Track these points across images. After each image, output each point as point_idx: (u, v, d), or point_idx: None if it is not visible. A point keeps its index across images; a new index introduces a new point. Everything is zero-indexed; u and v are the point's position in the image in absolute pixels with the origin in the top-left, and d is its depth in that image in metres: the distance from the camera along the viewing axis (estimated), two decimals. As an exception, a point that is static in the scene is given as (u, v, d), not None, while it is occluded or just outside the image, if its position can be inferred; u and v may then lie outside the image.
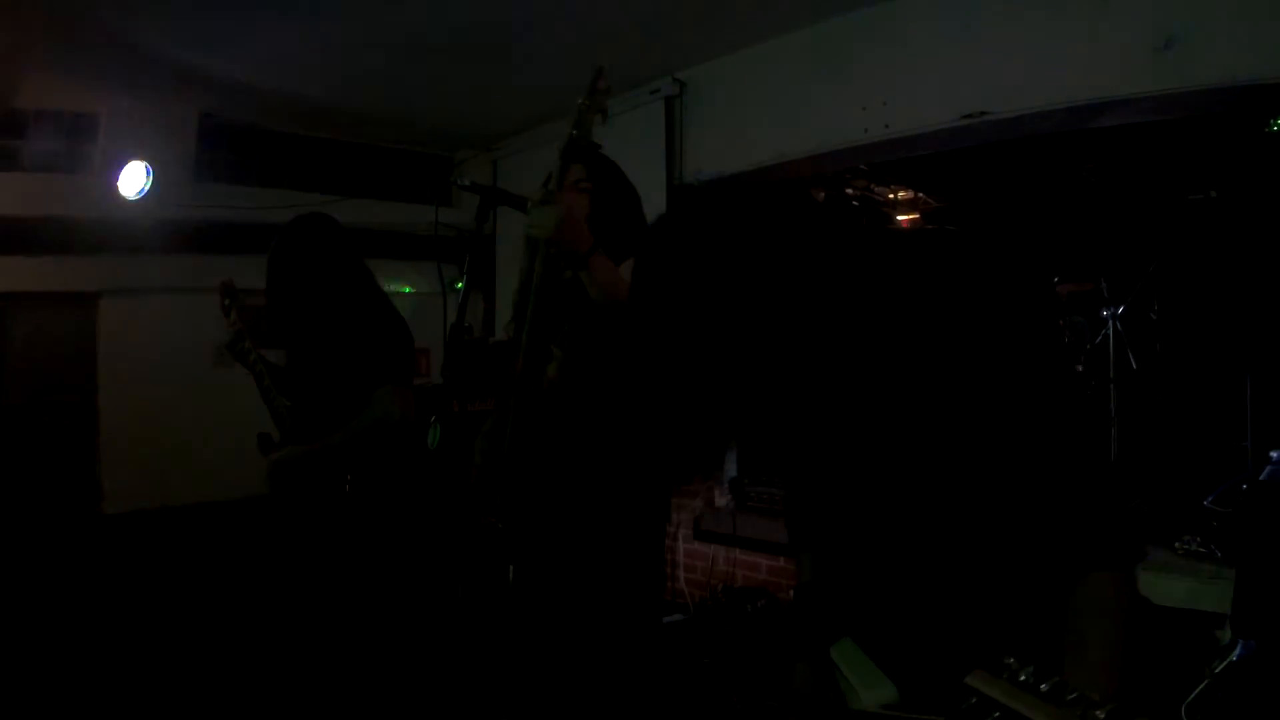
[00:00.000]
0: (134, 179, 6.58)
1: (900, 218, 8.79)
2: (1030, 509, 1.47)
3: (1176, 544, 4.64)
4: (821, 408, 1.65)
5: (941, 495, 1.56)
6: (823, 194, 7.86)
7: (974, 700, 1.20)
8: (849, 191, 8.29)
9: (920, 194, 8.67)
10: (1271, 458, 3.86)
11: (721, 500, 6.98)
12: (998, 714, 1.16)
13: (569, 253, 2.76)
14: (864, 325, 1.52)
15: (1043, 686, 1.17)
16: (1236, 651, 3.24)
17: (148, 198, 6.63)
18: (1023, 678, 1.19)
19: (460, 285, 2.93)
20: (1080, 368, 6.11)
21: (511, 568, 3.06)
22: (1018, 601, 1.55)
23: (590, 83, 2.97)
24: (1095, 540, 1.44)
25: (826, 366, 1.56)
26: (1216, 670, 3.26)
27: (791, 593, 2.07)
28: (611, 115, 7.20)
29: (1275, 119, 4.76)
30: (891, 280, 1.54)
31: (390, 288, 4.05)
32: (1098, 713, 1.07)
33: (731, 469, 6.98)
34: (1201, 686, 3.25)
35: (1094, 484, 1.46)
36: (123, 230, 6.73)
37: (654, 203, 7.01)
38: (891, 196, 8.73)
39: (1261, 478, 3.81)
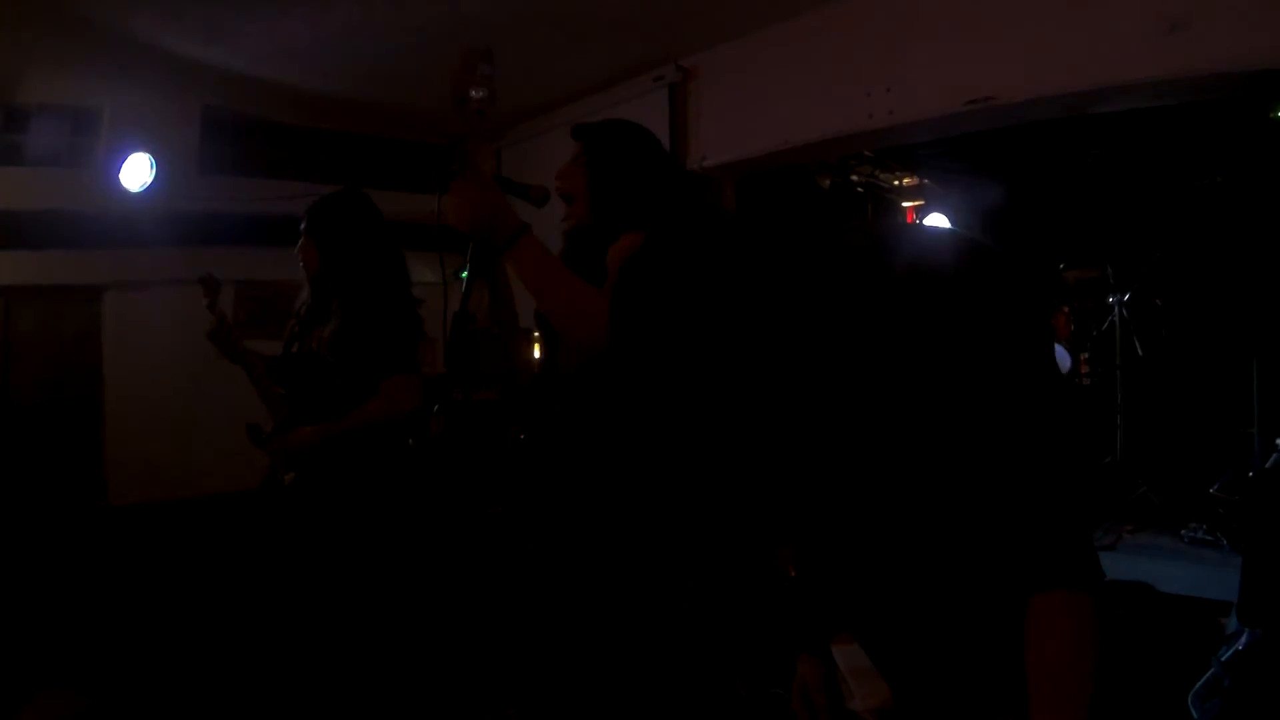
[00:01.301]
0: (137, 172, 6.58)
1: (905, 204, 8.78)
2: (995, 514, 1.44)
3: (1182, 531, 4.64)
4: (797, 404, 1.64)
5: (915, 493, 1.54)
6: (828, 180, 7.86)
7: None
8: (854, 178, 8.29)
9: (925, 180, 8.66)
10: (1278, 445, 3.85)
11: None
12: None
13: (487, 242, 2.52)
14: (839, 322, 1.51)
15: None
16: (1242, 640, 3.23)
17: (151, 191, 6.64)
18: None
19: (464, 275, 2.91)
20: (1085, 355, 6.10)
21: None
22: (1000, 605, 1.53)
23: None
24: (1057, 554, 1.40)
25: (803, 364, 1.55)
26: (1222, 659, 3.25)
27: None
28: (614, 105, 7.23)
29: (1279, 105, 4.74)
30: (870, 277, 1.52)
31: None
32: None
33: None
34: (1207, 675, 3.24)
35: (1062, 497, 1.43)
36: (126, 224, 6.73)
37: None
38: (896, 183, 8.72)
39: (1268, 465, 3.80)
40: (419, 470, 3.79)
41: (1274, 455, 3.79)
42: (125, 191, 6.57)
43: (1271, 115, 4.76)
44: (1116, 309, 5.93)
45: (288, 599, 3.96)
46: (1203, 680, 3.24)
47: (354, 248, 3.81)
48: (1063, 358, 6.18)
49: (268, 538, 4.06)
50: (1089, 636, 1.36)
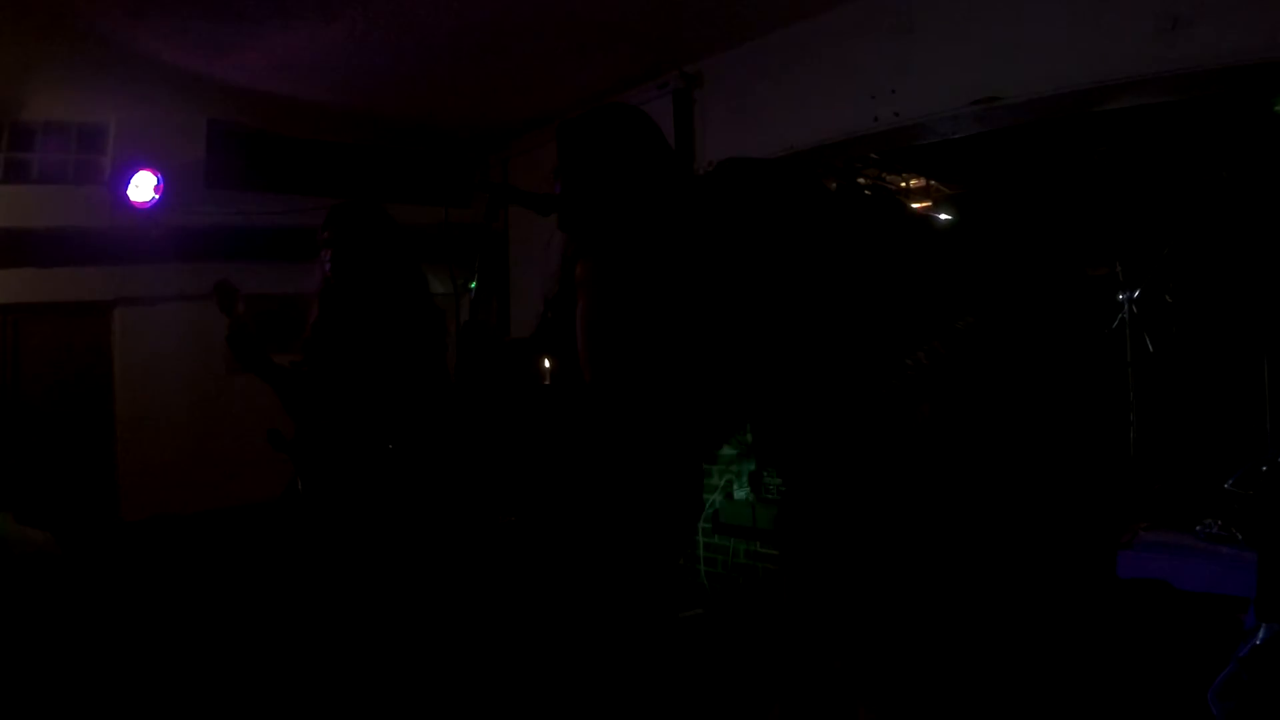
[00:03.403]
0: (144, 188, 6.59)
1: (913, 206, 8.76)
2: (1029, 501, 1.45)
3: (1198, 527, 4.62)
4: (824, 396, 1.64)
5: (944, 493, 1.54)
6: (834, 184, 7.85)
7: None
8: (860, 180, 8.28)
9: (932, 182, 8.65)
10: (1292, 439, 3.84)
11: (740, 493, 6.96)
12: None
13: None
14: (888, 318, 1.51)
15: None
16: (1260, 635, 3.22)
17: (158, 206, 6.65)
18: None
19: (473, 285, 2.91)
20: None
21: (529, 562, 3.05)
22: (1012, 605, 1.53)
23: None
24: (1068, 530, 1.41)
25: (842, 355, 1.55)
26: (1241, 655, 3.24)
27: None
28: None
29: (1278, 98, 4.74)
30: (913, 267, 1.53)
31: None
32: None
33: (750, 462, 6.97)
34: (1227, 671, 3.23)
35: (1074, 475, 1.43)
36: (134, 240, 6.75)
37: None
38: (903, 185, 8.70)
39: (1281, 459, 3.79)
40: (430, 477, 3.79)
41: (1288, 449, 3.78)
42: (132, 207, 6.59)
43: (1274, 108, 4.76)
44: (1126, 306, 5.92)
45: (306, 609, 3.97)
46: (1222, 676, 3.22)
47: (382, 258, 3.81)
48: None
49: (287, 547, 4.06)
50: None
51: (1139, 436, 5.73)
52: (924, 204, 8.74)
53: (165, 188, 6.64)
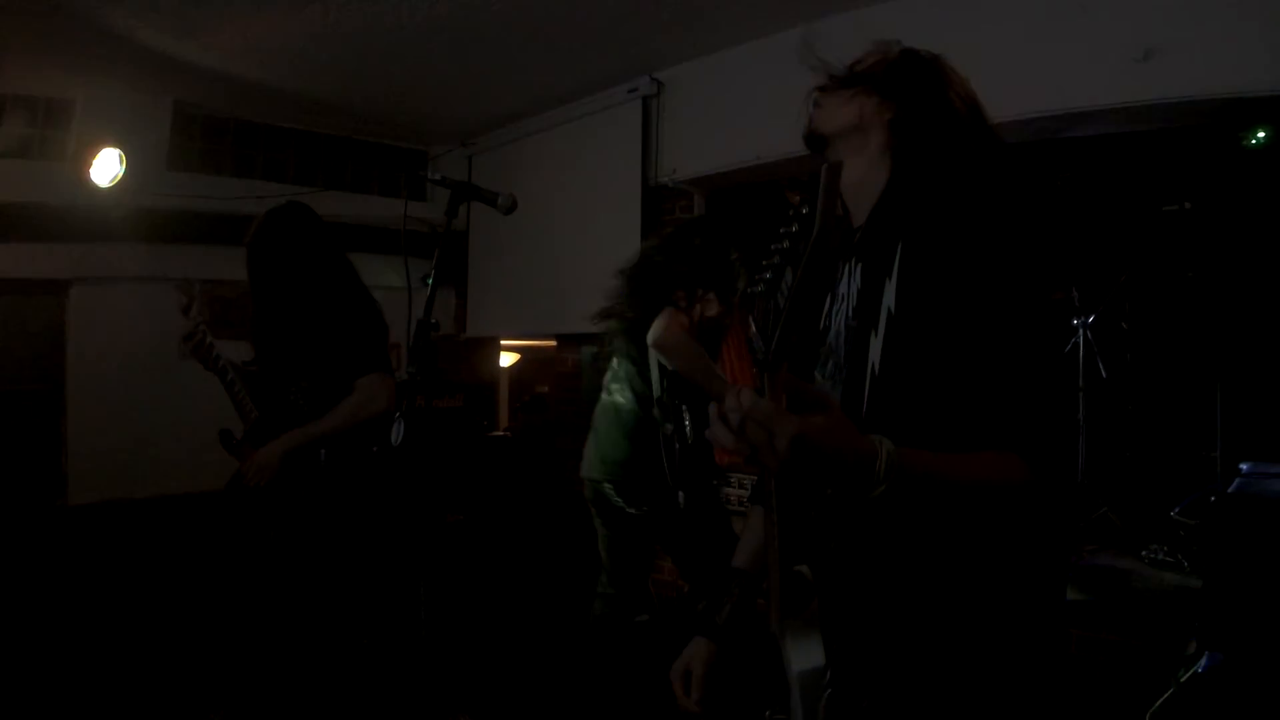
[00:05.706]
0: (107, 166, 6.53)
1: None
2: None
3: (1144, 552, 4.66)
4: None
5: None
6: (798, 197, 7.87)
7: None
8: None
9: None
10: (1241, 470, 3.86)
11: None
12: None
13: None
14: None
15: None
16: (1202, 663, 3.24)
17: (120, 186, 6.59)
18: None
19: (430, 280, 2.90)
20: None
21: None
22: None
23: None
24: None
25: None
26: (1182, 680, 3.26)
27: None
28: (587, 115, 7.21)
29: (1251, 132, 4.77)
30: None
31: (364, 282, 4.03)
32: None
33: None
34: (1166, 696, 3.25)
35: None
36: (94, 218, 6.67)
37: (628, 204, 6.93)
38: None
39: (1230, 490, 3.81)
40: (382, 477, 3.77)
41: (1236, 480, 3.81)
42: (94, 185, 6.52)
43: (1244, 143, 4.80)
44: (1081, 331, 5.95)
45: (253, 602, 3.94)
46: (1161, 701, 3.25)
47: (300, 262, 3.77)
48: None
49: (234, 541, 4.03)
50: (992, 471, 1.40)
51: (1088, 460, 5.77)
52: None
53: (128, 168, 6.58)
